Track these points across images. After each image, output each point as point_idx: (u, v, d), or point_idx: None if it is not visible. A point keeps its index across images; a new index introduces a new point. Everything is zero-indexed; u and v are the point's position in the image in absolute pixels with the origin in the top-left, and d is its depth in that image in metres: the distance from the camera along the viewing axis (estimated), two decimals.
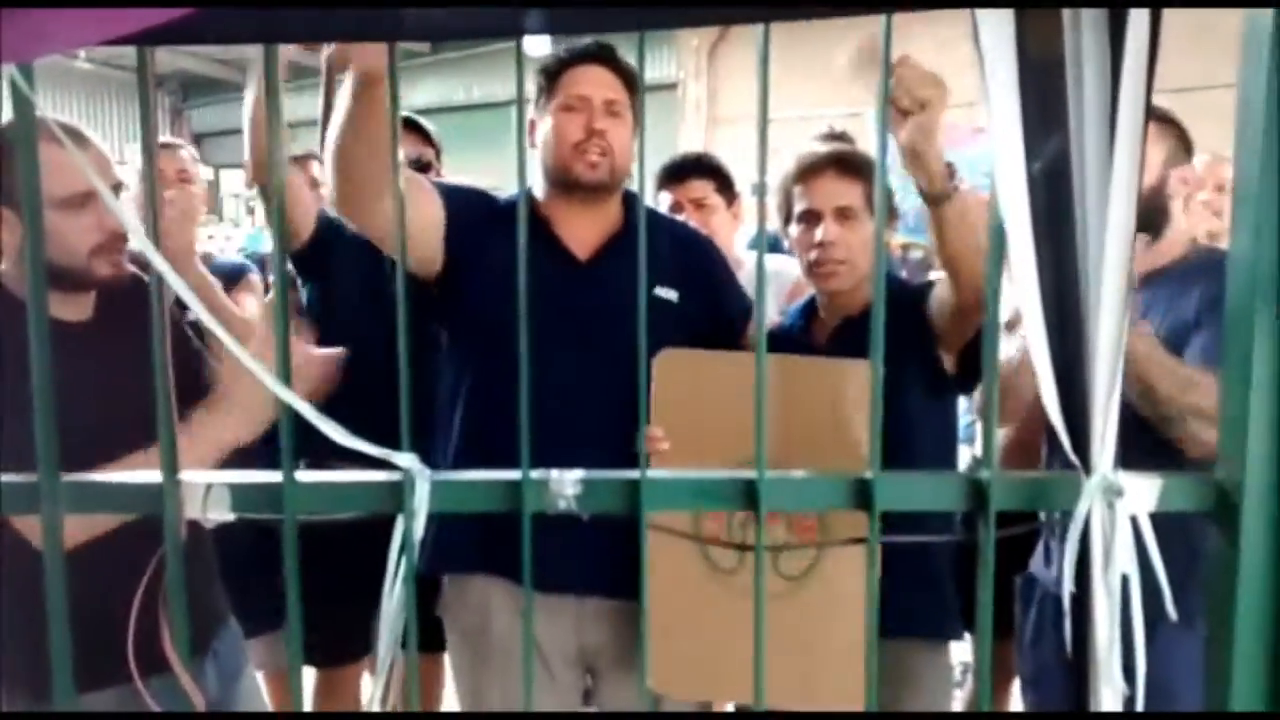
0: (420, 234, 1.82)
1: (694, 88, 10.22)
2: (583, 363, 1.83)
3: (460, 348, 1.97)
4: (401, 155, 2.55)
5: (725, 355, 1.88)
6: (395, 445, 1.02)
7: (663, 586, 1.69)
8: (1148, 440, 1.58)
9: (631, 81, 1.94)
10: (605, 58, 1.93)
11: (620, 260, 1.86)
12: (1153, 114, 1.82)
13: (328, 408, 1.93)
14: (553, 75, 1.94)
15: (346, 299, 2.49)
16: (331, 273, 2.43)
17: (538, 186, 1.99)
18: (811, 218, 1.93)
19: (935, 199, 1.63)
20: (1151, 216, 1.84)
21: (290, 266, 2.50)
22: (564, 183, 1.93)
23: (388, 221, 1.68)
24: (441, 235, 1.87)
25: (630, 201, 2.02)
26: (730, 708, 2.40)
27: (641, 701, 1.59)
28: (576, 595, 1.88)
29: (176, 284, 0.96)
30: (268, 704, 1.96)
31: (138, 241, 0.99)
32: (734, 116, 9.99)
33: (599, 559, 1.73)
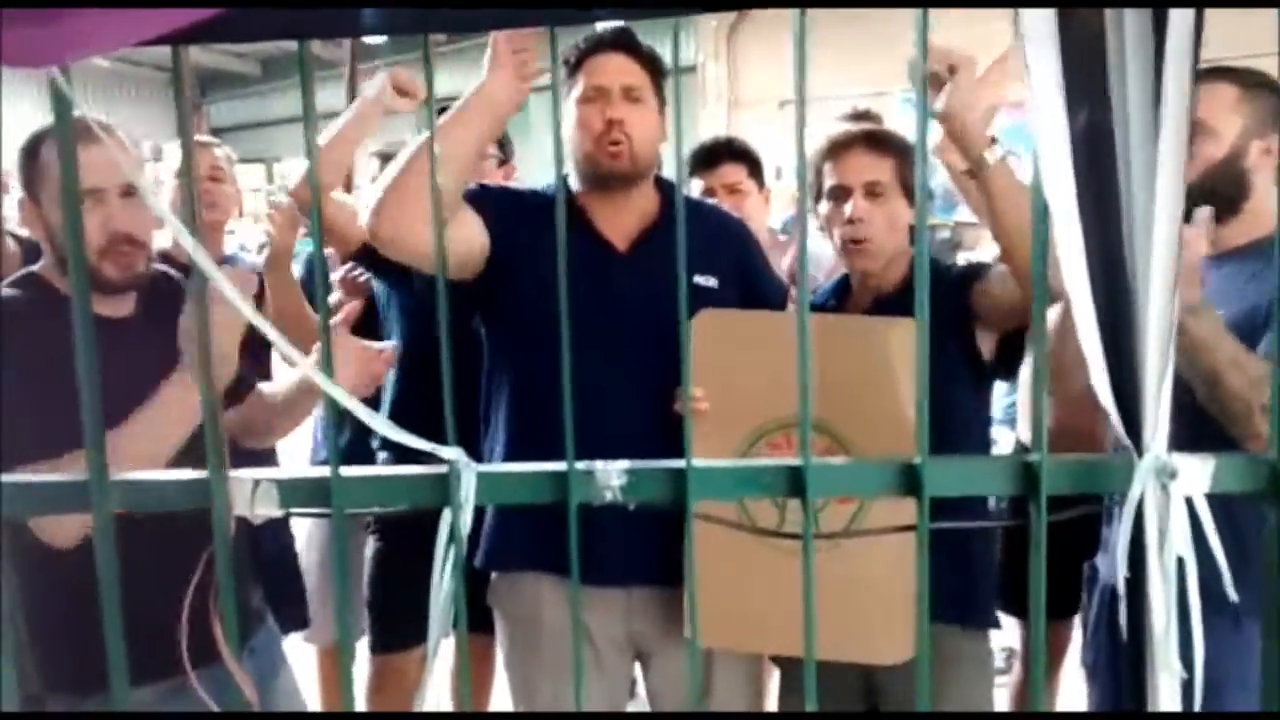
0: (464, 247, 1.84)
1: (714, 70, 10.19)
2: (626, 351, 1.83)
3: (502, 342, 1.97)
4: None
5: (763, 315, 1.90)
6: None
7: (708, 545, 1.70)
8: (1209, 430, 1.53)
9: (653, 66, 1.93)
10: (624, 44, 1.91)
11: (659, 248, 1.86)
12: (1237, 79, 1.78)
13: (406, 399, 1.92)
14: (573, 66, 1.93)
15: (416, 290, 2.51)
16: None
17: (572, 178, 1.99)
18: (841, 194, 1.93)
19: (977, 167, 1.61)
20: (1223, 190, 1.76)
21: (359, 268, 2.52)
22: (591, 174, 1.93)
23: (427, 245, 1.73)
24: (486, 243, 1.88)
25: (666, 189, 2.01)
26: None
27: (690, 685, 1.61)
28: (623, 585, 1.89)
29: (218, 279, 0.96)
30: (304, 702, 1.98)
31: (180, 237, 0.98)
32: (754, 99, 9.96)
33: (646, 550, 1.75)
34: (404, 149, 1.77)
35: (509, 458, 1.89)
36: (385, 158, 3.01)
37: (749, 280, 2.04)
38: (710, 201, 2.54)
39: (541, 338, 1.75)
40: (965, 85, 1.56)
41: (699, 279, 1.90)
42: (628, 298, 1.87)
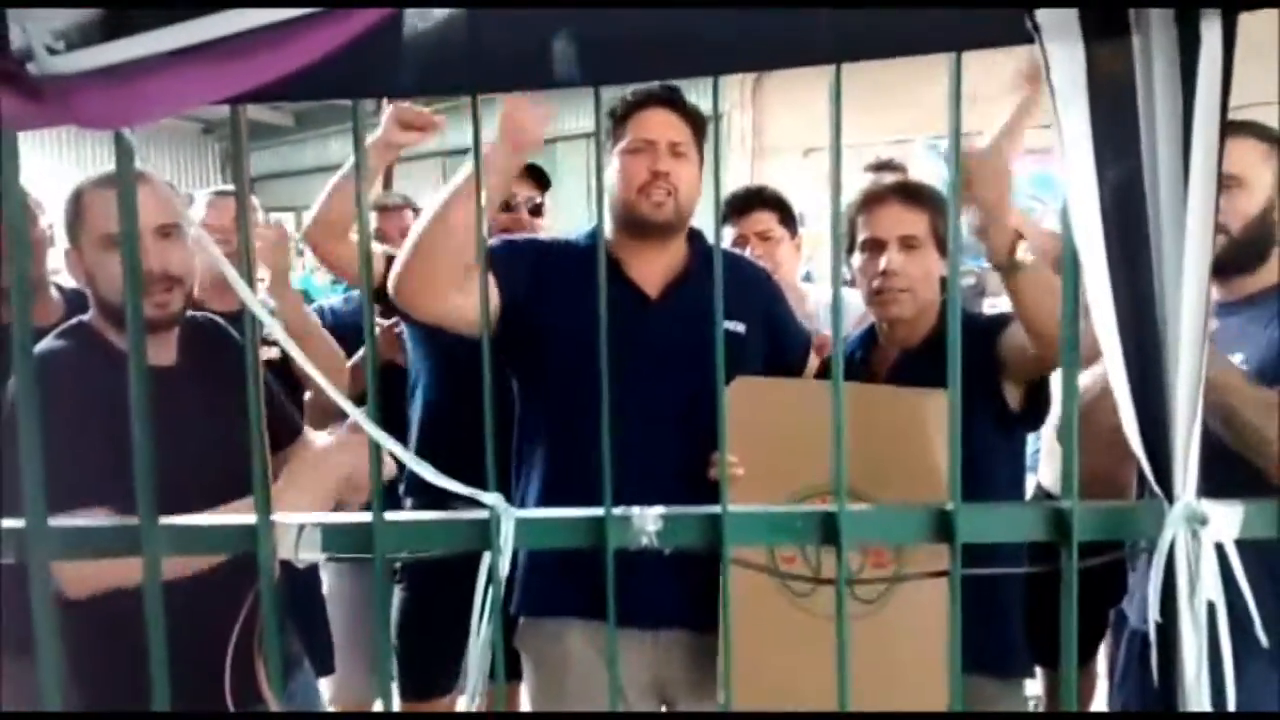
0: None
1: (739, 119, 10.25)
2: (658, 396, 1.85)
3: (536, 390, 2.00)
4: (521, 197, 2.65)
5: (799, 383, 1.93)
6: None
7: (738, 607, 1.70)
8: (1238, 471, 1.54)
9: (696, 123, 1.99)
10: (670, 100, 1.97)
11: (689, 295, 1.91)
12: (1262, 134, 1.83)
13: (435, 448, 1.95)
14: (619, 119, 1.98)
15: (445, 346, 2.54)
16: None
17: (606, 227, 2.02)
18: (875, 246, 1.94)
19: (1002, 269, 1.65)
20: (1258, 242, 1.81)
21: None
22: (631, 223, 1.97)
23: (454, 310, 1.79)
24: (498, 301, 1.92)
25: (694, 238, 2.05)
26: None
27: None
28: (651, 629, 1.90)
29: (273, 325, 0.99)
30: None
31: (229, 276, 1.01)
32: (780, 147, 10.01)
33: (673, 592, 1.76)
34: (421, 215, 1.81)
35: (543, 504, 1.91)
36: (381, 209, 3.06)
37: (775, 328, 2.07)
38: (738, 251, 2.58)
39: (575, 384, 1.78)
40: (992, 202, 1.60)
41: (728, 324, 1.92)
42: (660, 343, 1.89)
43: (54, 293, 2.46)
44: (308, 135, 14.31)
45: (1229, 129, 1.81)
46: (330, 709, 2.00)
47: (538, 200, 2.70)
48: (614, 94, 2.01)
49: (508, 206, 2.61)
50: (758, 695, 1.78)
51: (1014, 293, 1.67)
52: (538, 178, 2.72)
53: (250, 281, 1.02)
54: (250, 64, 0.80)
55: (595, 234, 2.01)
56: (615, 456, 1.08)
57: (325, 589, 2.87)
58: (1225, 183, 1.78)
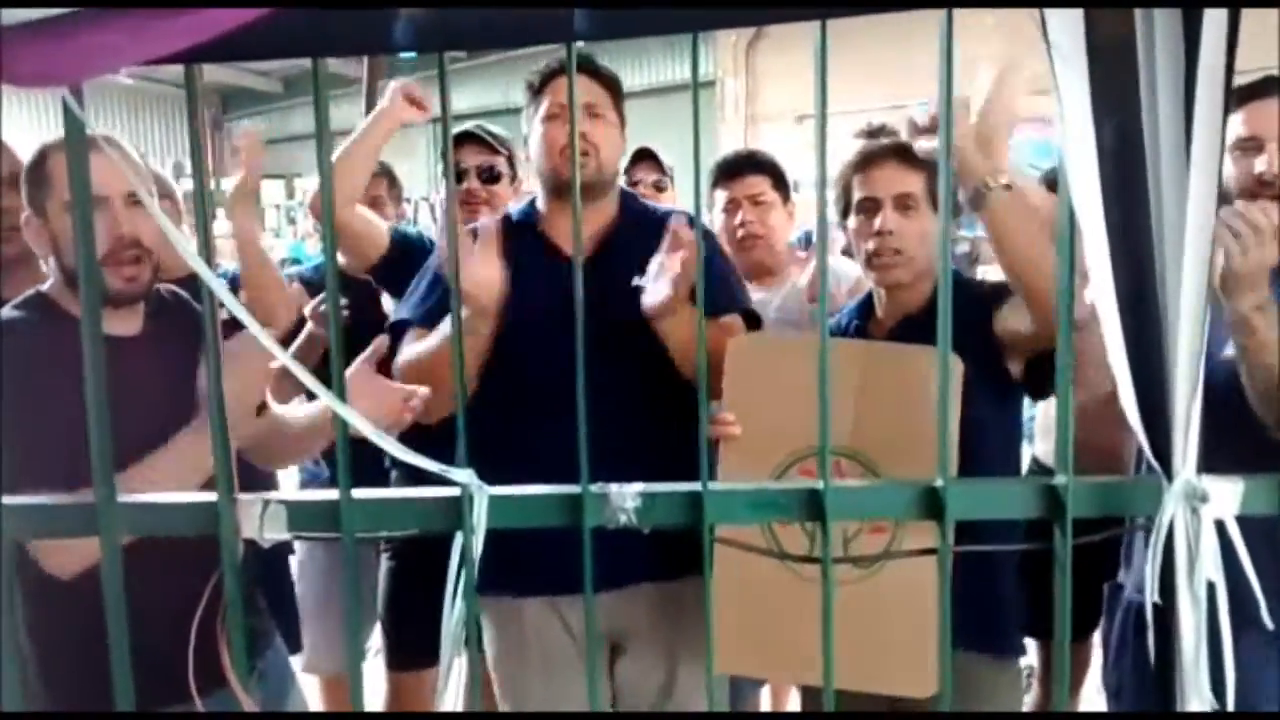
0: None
1: (732, 85, 10.18)
2: (590, 356, 1.82)
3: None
4: (470, 165, 2.62)
5: (798, 342, 1.89)
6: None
7: (728, 569, 1.66)
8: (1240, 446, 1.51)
9: (612, 86, 2.04)
10: (585, 66, 1.99)
11: (616, 254, 1.93)
12: None
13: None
14: (536, 89, 2.03)
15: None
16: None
17: (538, 195, 2.07)
18: (871, 206, 1.90)
19: (976, 197, 1.61)
20: None
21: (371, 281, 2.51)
22: (557, 187, 2.00)
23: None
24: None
25: (625, 199, 2.09)
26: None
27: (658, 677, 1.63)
28: (612, 589, 1.89)
29: (227, 298, 0.94)
30: None
31: (179, 247, 0.97)
32: (772, 113, 9.96)
33: (637, 551, 1.73)
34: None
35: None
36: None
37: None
38: (665, 207, 2.51)
39: (511, 354, 1.77)
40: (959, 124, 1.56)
41: (642, 281, 1.92)
42: (587, 303, 1.86)
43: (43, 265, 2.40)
44: (296, 102, 14.24)
45: (1275, 85, 1.76)
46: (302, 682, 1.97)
47: (496, 169, 2.62)
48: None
49: (459, 177, 2.57)
50: (744, 650, 1.75)
51: (990, 224, 1.64)
52: (488, 145, 2.64)
53: (208, 257, 0.97)
54: (196, 17, 0.75)
55: (524, 208, 2.03)
56: (560, 419, 1.04)
57: (297, 559, 2.83)
58: None
